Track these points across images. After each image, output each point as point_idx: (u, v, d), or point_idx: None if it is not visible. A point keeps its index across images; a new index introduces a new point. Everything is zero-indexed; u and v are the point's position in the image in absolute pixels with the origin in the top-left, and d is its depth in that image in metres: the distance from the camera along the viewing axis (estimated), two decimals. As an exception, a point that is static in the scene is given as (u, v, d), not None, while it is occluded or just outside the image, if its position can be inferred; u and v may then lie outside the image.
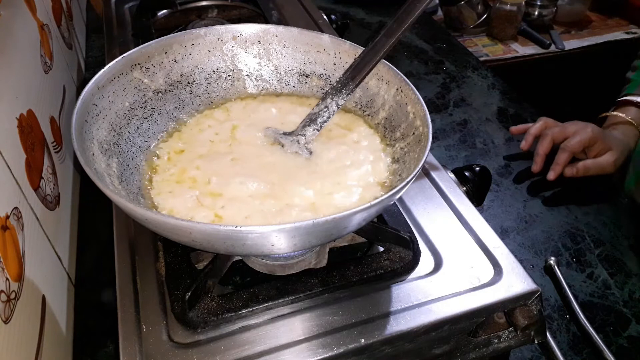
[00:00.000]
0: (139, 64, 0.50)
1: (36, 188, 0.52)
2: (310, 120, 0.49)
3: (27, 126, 0.53)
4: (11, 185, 0.46)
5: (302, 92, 0.57)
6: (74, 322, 0.55)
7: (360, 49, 0.51)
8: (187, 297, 0.41)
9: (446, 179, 0.56)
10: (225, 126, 0.52)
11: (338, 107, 0.49)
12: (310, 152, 0.49)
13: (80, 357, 0.52)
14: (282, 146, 0.49)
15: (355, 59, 0.50)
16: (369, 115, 0.53)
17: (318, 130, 0.49)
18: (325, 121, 0.49)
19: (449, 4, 1.35)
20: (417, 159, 0.43)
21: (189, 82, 0.54)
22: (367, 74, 0.48)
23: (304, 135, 0.49)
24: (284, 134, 0.50)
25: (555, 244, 0.67)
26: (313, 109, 0.50)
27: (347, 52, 0.53)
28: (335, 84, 0.49)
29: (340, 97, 0.49)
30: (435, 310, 0.43)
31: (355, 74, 0.48)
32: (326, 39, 0.54)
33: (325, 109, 0.49)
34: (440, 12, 1.44)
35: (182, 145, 0.50)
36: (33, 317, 0.45)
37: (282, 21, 0.88)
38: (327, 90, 0.50)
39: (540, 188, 0.76)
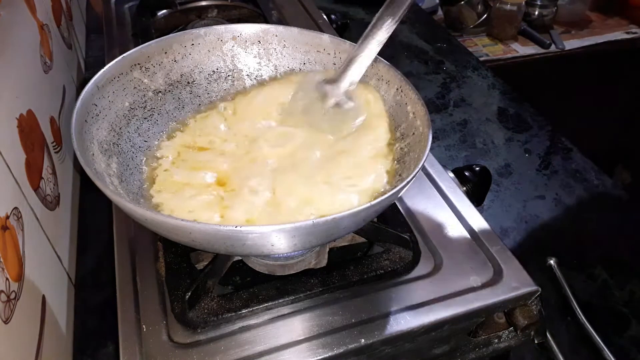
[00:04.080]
0: (138, 64, 0.49)
1: (36, 188, 0.52)
2: (351, 61, 0.48)
3: (27, 126, 0.53)
4: (11, 186, 0.46)
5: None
6: (73, 322, 0.55)
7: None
8: (187, 297, 0.41)
9: (446, 179, 0.56)
10: (226, 123, 0.52)
11: (380, 45, 0.47)
12: (351, 99, 0.48)
13: (81, 357, 0.52)
14: (325, 95, 0.48)
15: None
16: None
17: (360, 72, 0.48)
18: (366, 61, 0.48)
19: (449, 4, 1.35)
20: (417, 159, 0.43)
21: (188, 82, 0.54)
22: (408, 7, 0.46)
23: (345, 79, 0.48)
24: (326, 81, 0.49)
25: (555, 244, 0.67)
26: (353, 51, 0.48)
27: (347, 52, 0.53)
28: (374, 22, 0.47)
29: (380, 35, 0.47)
30: (435, 310, 0.43)
31: (395, 8, 0.46)
32: (326, 38, 0.54)
33: (365, 49, 0.47)
34: (440, 12, 1.44)
35: (184, 145, 0.50)
36: (33, 317, 0.45)
37: (282, 21, 0.88)
38: (366, 31, 0.48)
39: (541, 188, 0.76)
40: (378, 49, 0.48)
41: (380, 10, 0.47)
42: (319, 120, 0.49)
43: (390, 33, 0.47)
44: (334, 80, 0.49)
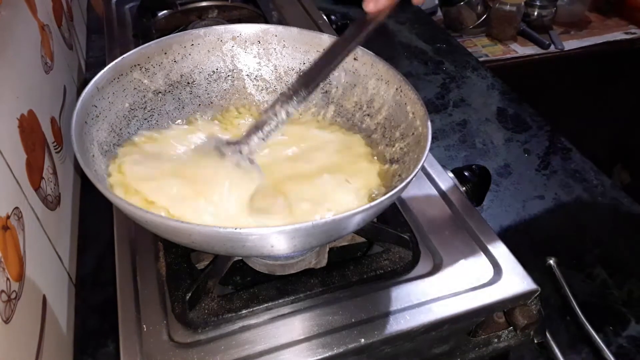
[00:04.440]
0: (138, 64, 0.50)
1: (37, 188, 0.52)
2: (256, 128, 0.45)
3: (28, 126, 0.54)
4: (12, 185, 0.46)
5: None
6: (74, 321, 0.55)
7: (360, 49, 0.51)
8: (188, 297, 0.41)
9: (446, 179, 0.56)
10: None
11: (288, 116, 0.45)
12: (252, 163, 0.45)
13: (81, 357, 0.52)
14: (223, 155, 0.45)
15: (310, 64, 0.46)
16: (368, 115, 0.53)
17: (264, 140, 0.45)
18: (272, 130, 0.45)
19: (448, 5, 1.35)
20: (416, 159, 0.43)
21: (188, 83, 0.54)
22: (320, 81, 0.45)
23: (247, 144, 0.45)
24: (228, 143, 0.46)
25: (555, 244, 0.67)
26: (261, 116, 0.46)
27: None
28: (286, 91, 0.45)
29: (290, 105, 0.45)
30: (435, 310, 0.43)
31: (308, 80, 0.45)
32: (326, 39, 0.54)
33: (273, 117, 0.45)
34: (439, 13, 1.44)
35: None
36: (34, 317, 0.45)
37: (282, 21, 0.88)
38: (277, 97, 0.46)
39: (540, 188, 0.76)
40: (286, 120, 0.45)
41: (295, 82, 0.45)
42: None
43: (300, 107, 0.45)
44: (235, 143, 0.45)
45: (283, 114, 0.45)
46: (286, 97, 0.44)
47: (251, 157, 0.45)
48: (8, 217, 0.43)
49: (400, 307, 0.43)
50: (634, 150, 1.47)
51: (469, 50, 1.15)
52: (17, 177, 0.47)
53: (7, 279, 0.40)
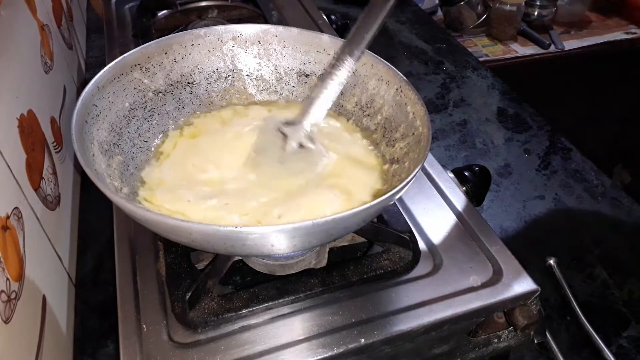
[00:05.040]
0: (139, 64, 0.50)
1: (37, 188, 0.52)
2: (311, 101, 0.46)
3: (28, 126, 0.54)
4: (12, 186, 0.46)
5: (303, 93, 0.57)
6: (74, 322, 0.55)
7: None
8: (188, 297, 0.41)
9: (446, 179, 0.56)
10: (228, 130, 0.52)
11: (340, 86, 0.45)
12: (313, 141, 0.46)
13: (81, 357, 0.52)
14: (285, 135, 0.46)
15: (350, 30, 0.46)
16: (368, 115, 0.53)
17: (322, 116, 0.46)
18: (327, 104, 0.46)
19: (448, 5, 1.35)
20: (416, 159, 0.43)
21: (189, 83, 0.54)
22: (367, 44, 0.44)
23: (306, 121, 0.45)
24: (287, 123, 0.46)
25: (555, 244, 0.67)
26: (313, 92, 0.46)
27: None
28: (332, 62, 0.45)
29: (340, 75, 0.45)
30: (435, 310, 0.43)
31: (352, 47, 0.44)
32: (326, 39, 0.54)
33: (325, 90, 0.45)
34: (440, 13, 1.44)
35: (184, 147, 0.50)
36: (33, 317, 0.45)
37: (282, 21, 0.88)
38: (325, 70, 0.46)
39: (540, 188, 0.76)
40: (339, 89, 0.46)
41: (340, 48, 0.46)
42: (277, 167, 0.47)
43: (351, 71, 0.45)
44: (295, 122, 0.46)
45: (336, 85, 0.45)
46: (335, 69, 0.45)
47: (311, 134, 0.45)
48: (8, 217, 0.43)
49: (401, 307, 0.43)
50: (634, 150, 1.47)
51: (469, 50, 1.15)
52: (17, 177, 0.47)
53: (7, 279, 0.40)
